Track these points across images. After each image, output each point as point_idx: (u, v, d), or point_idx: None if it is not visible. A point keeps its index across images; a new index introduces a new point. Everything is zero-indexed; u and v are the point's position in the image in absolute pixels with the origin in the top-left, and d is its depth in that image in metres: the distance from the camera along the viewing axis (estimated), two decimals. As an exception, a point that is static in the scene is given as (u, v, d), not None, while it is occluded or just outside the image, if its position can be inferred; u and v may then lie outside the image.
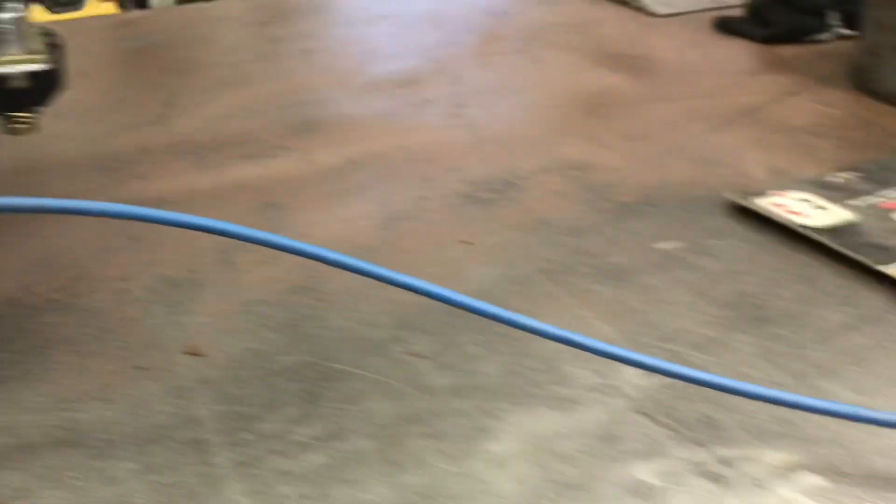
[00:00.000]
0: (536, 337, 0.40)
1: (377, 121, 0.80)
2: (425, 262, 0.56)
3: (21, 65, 0.45)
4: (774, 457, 0.39)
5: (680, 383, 0.42)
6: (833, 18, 0.99)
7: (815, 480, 0.38)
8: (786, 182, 0.65)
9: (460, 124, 0.79)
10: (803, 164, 0.69)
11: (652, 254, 0.57)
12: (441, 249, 0.58)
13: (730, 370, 0.45)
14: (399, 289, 0.39)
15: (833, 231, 0.58)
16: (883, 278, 0.53)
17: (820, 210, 0.60)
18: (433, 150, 0.73)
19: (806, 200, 0.62)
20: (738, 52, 0.98)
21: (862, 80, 0.84)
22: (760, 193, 0.62)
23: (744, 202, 0.61)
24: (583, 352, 0.40)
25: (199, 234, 0.38)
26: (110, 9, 1.55)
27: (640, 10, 1.14)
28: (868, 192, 0.63)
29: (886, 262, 0.54)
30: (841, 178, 0.65)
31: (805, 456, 0.39)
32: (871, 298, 0.52)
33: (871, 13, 0.82)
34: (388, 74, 0.91)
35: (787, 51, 0.97)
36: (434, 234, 0.60)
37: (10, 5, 0.45)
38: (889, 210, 0.61)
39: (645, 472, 0.39)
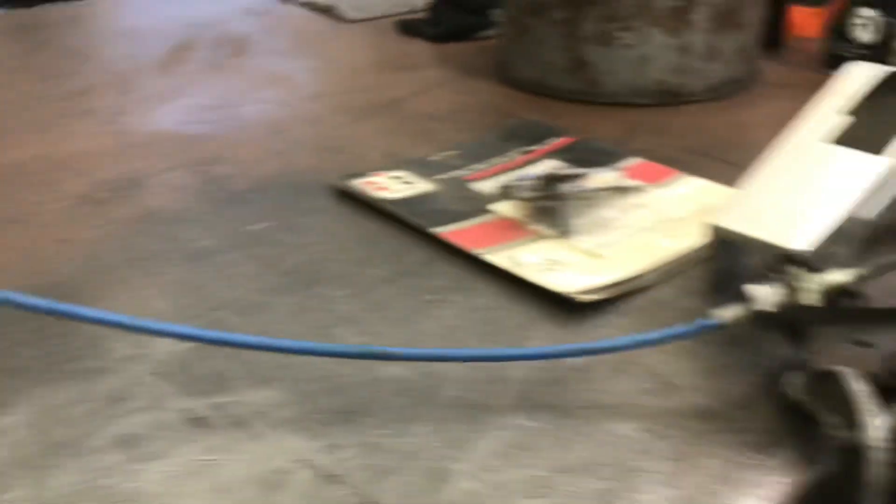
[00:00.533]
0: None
1: (31, 131, 0.80)
2: (17, 261, 0.57)
3: None
4: (260, 395, 0.44)
5: (206, 345, 0.46)
6: (496, 16, 1.08)
7: (286, 413, 0.43)
8: (391, 163, 0.71)
9: (111, 131, 0.81)
10: (419, 146, 0.75)
11: (241, 235, 0.61)
12: (37, 248, 0.59)
13: (260, 329, 0.50)
14: None
15: (407, 201, 0.64)
16: (432, 238, 0.59)
17: (406, 185, 0.67)
18: (74, 158, 0.74)
19: (398, 178, 0.68)
20: (411, 51, 1.05)
21: (501, 71, 0.93)
22: (361, 175, 0.68)
23: (339, 183, 0.67)
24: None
25: None
26: None
27: (336, 16, 1.20)
28: (459, 167, 0.70)
29: (441, 224, 0.60)
30: (442, 156, 0.72)
31: (288, 393, 0.44)
32: (416, 254, 0.58)
33: (504, 9, 0.91)
34: (60, 87, 0.92)
35: (454, 47, 1.05)
36: (34, 236, 0.61)
37: None
38: (469, 181, 0.68)
39: (137, 425, 0.42)
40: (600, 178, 0.61)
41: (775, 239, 0.47)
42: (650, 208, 0.62)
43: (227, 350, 0.47)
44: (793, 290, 0.42)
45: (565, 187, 0.59)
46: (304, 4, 1.27)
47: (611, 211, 0.62)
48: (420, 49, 1.06)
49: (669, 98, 0.83)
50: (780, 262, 0.44)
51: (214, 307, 0.52)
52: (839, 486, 0.38)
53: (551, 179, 0.59)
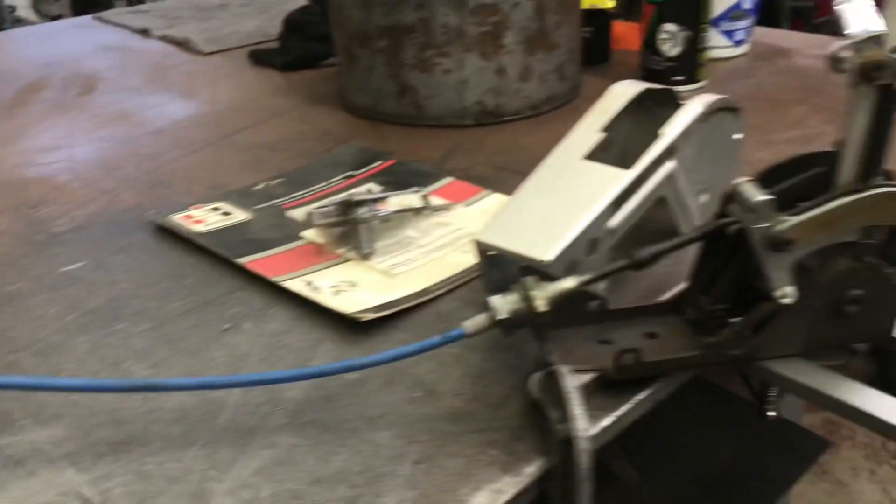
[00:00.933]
0: None
1: None
2: None
3: None
4: (43, 433, 0.46)
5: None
6: (343, 43, 1.11)
7: (65, 448, 0.45)
8: (214, 195, 0.73)
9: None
10: (247, 177, 0.78)
11: (54, 277, 0.63)
12: None
13: (53, 369, 0.52)
14: None
15: (220, 233, 0.67)
16: (239, 268, 0.62)
17: (224, 216, 0.69)
18: None
19: (216, 209, 0.71)
20: (260, 80, 1.08)
21: (340, 98, 0.97)
22: (181, 209, 0.71)
23: (157, 219, 0.69)
24: None
25: None
26: None
27: (192, 49, 1.22)
28: (280, 195, 0.73)
29: (249, 254, 0.63)
30: (265, 185, 0.75)
31: (71, 430, 0.47)
32: (221, 285, 0.61)
33: (336, 39, 0.94)
34: None
35: (302, 76, 1.08)
36: None
37: None
38: (287, 209, 0.71)
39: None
40: (401, 200, 0.65)
41: (526, 251, 0.52)
42: (452, 226, 0.67)
43: (17, 391, 0.49)
44: (526, 298, 0.46)
45: (364, 211, 0.63)
46: (161, 38, 1.28)
47: (412, 231, 0.66)
48: (269, 79, 1.09)
49: (489, 118, 0.88)
50: (520, 273, 0.48)
51: (13, 350, 0.54)
52: (560, 474, 0.42)
53: (349, 204, 0.62)
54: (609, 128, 0.60)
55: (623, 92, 0.63)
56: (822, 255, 0.46)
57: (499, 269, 0.54)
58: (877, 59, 0.41)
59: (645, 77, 0.95)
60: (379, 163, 0.79)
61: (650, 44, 0.94)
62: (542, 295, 0.46)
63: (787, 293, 0.46)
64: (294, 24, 1.12)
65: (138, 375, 0.51)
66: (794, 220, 0.44)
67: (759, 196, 0.43)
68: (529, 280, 0.47)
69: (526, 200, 0.56)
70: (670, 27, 0.91)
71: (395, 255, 0.62)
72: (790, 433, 0.98)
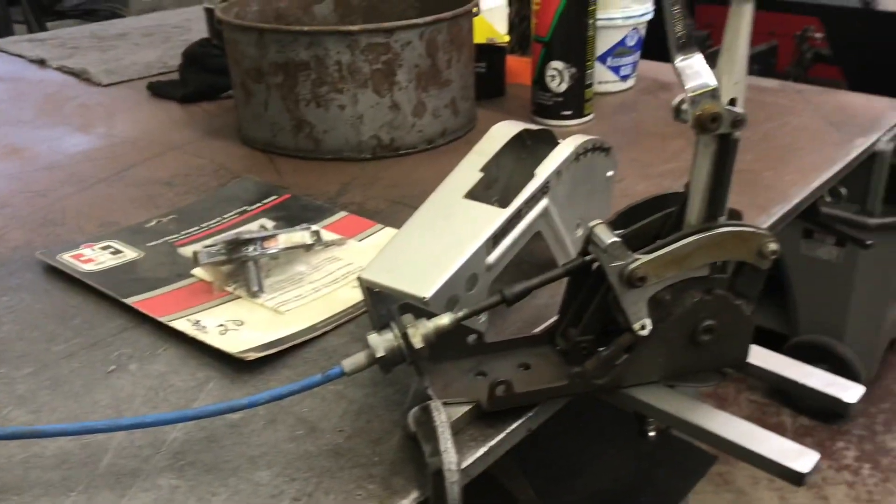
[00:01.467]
0: None
1: None
2: None
3: None
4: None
5: None
6: (243, 75, 1.12)
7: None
8: (105, 233, 0.73)
9: None
10: (140, 213, 0.78)
11: (-66, 321, 0.62)
12: None
13: (-70, 417, 0.51)
14: None
15: (109, 272, 0.67)
16: (128, 308, 0.62)
17: (114, 255, 0.70)
18: None
19: (107, 248, 0.71)
20: (158, 113, 1.08)
21: (239, 131, 0.97)
22: (72, 248, 0.70)
23: (46, 258, 0.69)
24: None
25: None
26: None
27: (90, 81, 1.21)
28: (173, 232, 0.74)
29: (137, 293, 0.63)
30: (158, 222, 0.76)
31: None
32: (110, 326, 0.61)
33: (232, 73, 0.95)
34: None
35: (201, 108, 1.09)
36: None
37: None
38: (179, 246, 0.71)
39: None
40: (290, 237, 0.66)
41: (406, 288, 0.54)
42: (343, 261, 0.68)
43: None
44: (403, 335, 0.48)
45: (252, 249, 0.64)
46: (59, 69, 1.27)
47: (303, 267, 0.67)
48: (168, 111, 1.09)
49: (385, 151, 0.90)
50: (399, 310, 0.50)
51: None
52: (433, 505, 0.45)
53: (238, 243, 0.63)
54: (488, 167, 0.63)
55: (501, 133, 0.66)
56: (676, 290, 0.49)
57: (384, 305, 0.56)
58: (712, 111, 0.45)
59: (535, 112, 0.99)
60: (273, 198, 0.80)
61: (539, 80, 0.98)
62: (419, 332, 0.48)
63: (643, 325, 0.49)
64: (193, 57, 1.12)
65: (19, 422, 0.51)
66: (645, 258, 0.47)
67: (609, 239, 0.46)
68: (407, 317, 0.49)
69: (408, 238, 0.58)
70: (557, 64, 0.95)
71: (284, 291, 0.64)
72: (681, 449, 1.03)
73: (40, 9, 2.33)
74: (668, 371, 0.52)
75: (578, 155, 0.63)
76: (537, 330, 0.56)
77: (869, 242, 1.00)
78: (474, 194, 0.61)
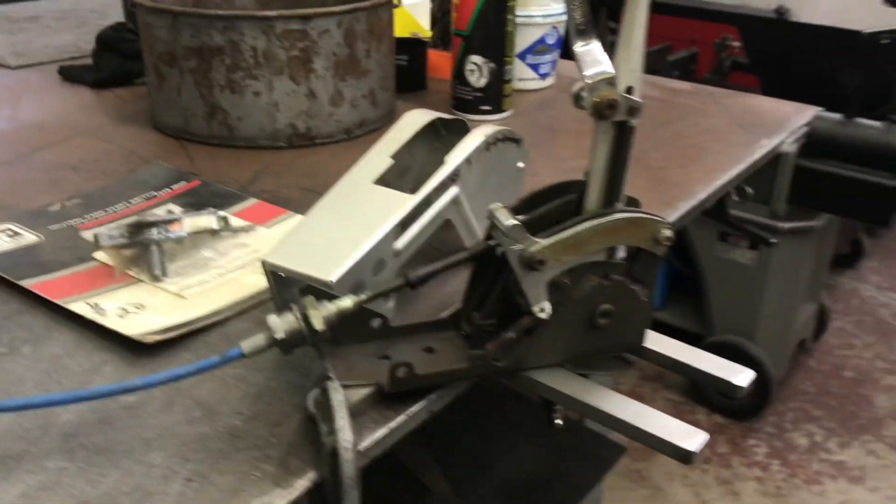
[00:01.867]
0: None
1: None
2: None
3: None
4: None
5: None
6: (159, 62, 1.10)
7: None
8: (3, 216, 0.71)
9: None
10: (43, 197, 0.76)
11: None
12: None
13: None
14: None
15: (6, 255, 0.64)
16: (24, 290, 0.60)
17: (11, 237, 0.67)
18: None
19: (6, 230, 0.68)
20: (68, 97, 1.05)
21: (152, 117, 0.95)
22: (-34, 230, 0.68)
23: (-63, 240, 0.66)
24: None
25: None
26: None
27: (-4, 62, 1.16)
28: (77, 216, 0.72)
29: (35, 276, 0.61)
30: (61, 206, 0.73)
31: None
32: (4, 308, 0.59)
33: (145, 57, 0.93)
34: None
35: (114, 94, 1.06)
36: None
37: None
38: (82, 230, 0.69)
39: None
40: (195, 221, 0.65)
41: (310, 272, 0.53)
42: (251, 247, 0.68)
43: None
44: (304, 317, 0.48)
45: (155, 233, 0.62)
46: (-36, 49, 1.22)
47: (209, 252, 0.66)
48: (79, 96, 1.06)
49: (301, 140, 0.89)
50: (300, 293, 0.50)
51: None
52: (330, 485, 0.44)
53: (139, 226, 0.62)
54: (399, 155, 0.63)
55: (414, 120, 0.66)
56: (575, 274, 0.50)
57: (288, 289, 0.56)
58: (609, 98, 0.46)
59: (455, 106, 1.00)
60: (183, 183, 0.79)
61: (458, 74, 0.98)
62: (320, 314, 0.48)
63: (543, 308, 0.50)
64: (107, 41, 1.09)
65: None
66: (545, 241, 0.48)
67: (510, 221, 0.47)
68: (308, 299, 0.48)
69: (314, 223, 0.58)
70: (476, 59, 0.96)
71: (188, 276, 0.63)
72: (591, 440, 1.05)
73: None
74: (568, 354, 0.53)
75: (489, 144, 0.64)
76: (444, 314, 0.56)
77: (773, 241, 1.04)
78: (384, 180, 0.61)
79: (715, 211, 1.08)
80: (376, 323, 0.53)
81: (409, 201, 0.58)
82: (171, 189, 0.78)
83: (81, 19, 1.38)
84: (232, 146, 0.89)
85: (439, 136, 0.68)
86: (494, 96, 0.98)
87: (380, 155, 0.63)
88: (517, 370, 0.52)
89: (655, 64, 2.23)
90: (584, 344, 0.53)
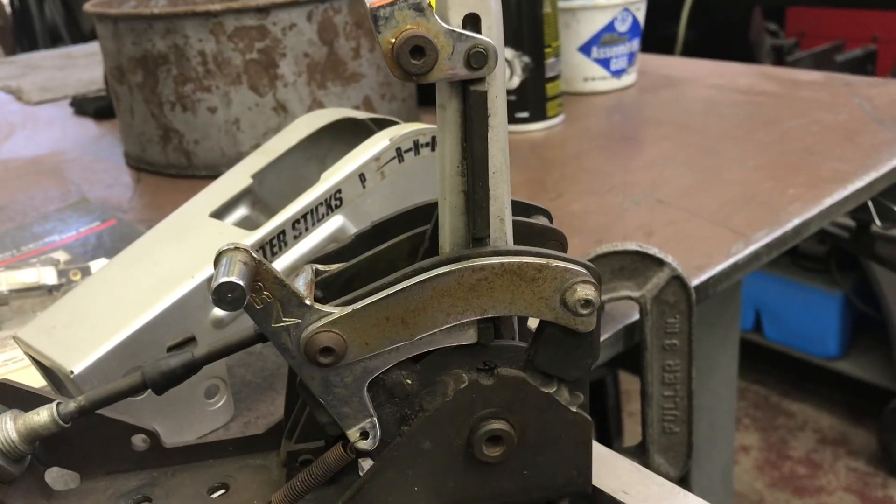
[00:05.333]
0: None
1: None
2: None
3: None
4: None
5: None
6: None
7: None
8: None
9: None
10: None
11: None
12: None
13: None
14: None
15: None
16: None
17: None
18: None
19: None
20: (71, 130, 0.93)
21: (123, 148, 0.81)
22: None
23: None
24: None
25: None
26: None
27: (21, 98, 1.08)
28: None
29: None
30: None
31: None
32: None
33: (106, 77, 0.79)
34: None
35: (112, 122, 0.93)
36: None
37: None
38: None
39: None
40: (15, 277, 0.48)
41: (55, 355, 0.34)
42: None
43: None
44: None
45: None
46: (2, 88, 1.16)
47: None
48: (83, 127, 0.94)
49: (272, 165, 0.71)
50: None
51: None
52: None
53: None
54: (264, 172, 0.43)
55: (306, 124, 0.46)
56: (425, 370, 0.28)
57: (47, 374, 0.37)
58: (412, 34, 0.23)
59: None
60: (96, 223, 0.63)
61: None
62: (15, 430, 0.28)
63: (365, 432, 0.27)
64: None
65: None
66: (335, 313, 0.26)
67: (295, 281, 0.25)
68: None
69: (102, 280, 0.39)
70: (506, 52, 0.74)
71: (4, 350, 0.46)
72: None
73: (83, 41, 2.30)
74: (440, 507, 0.30)
75: (405, 151, 0.42)
76: (263, 429, 0.35)
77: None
78: (228, 210, 0.41)
79: (857, 241, 0.79)
80: (138, 443, 0.33)
81: (245, 241, 0.38)
82: (78, 231, 0.62)
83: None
84: (191, 176, 0.72)
85: (328, 144, 0.48)
86: (534, 99, 0.76)
87: (237, 174, 0.43)
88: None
89: (823, 66, 1.87)
90: (471, 489, 0.30)
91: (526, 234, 0.29)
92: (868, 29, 2.02)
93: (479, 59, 0.24)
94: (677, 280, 0.42)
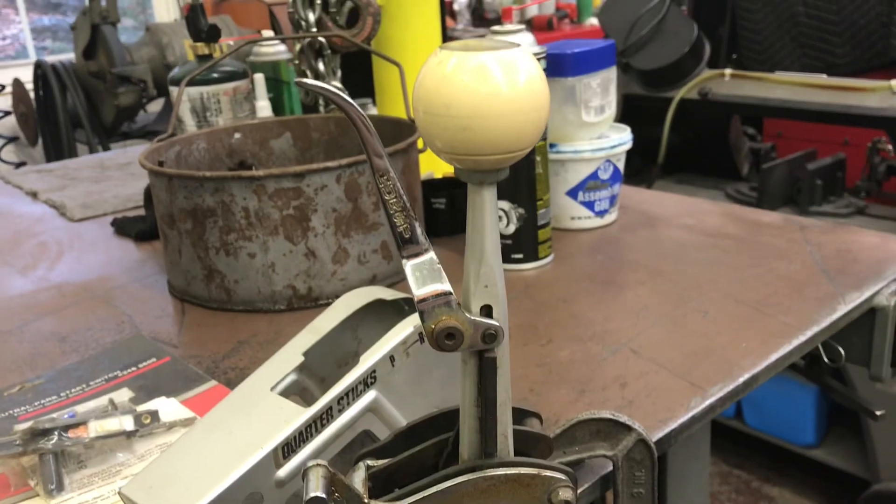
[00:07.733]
0: None
1: None
2: None
3: None
4: None
5: None
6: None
7: None
8: (-45, 402, 0.68)
9: None
10: (10, 376, 0.72)
11: None
12: None
13: None
14: None
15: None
16: (-89, 504, 0.55)
17: (-58, 432, 0.63)
18: None
19: (-58, 422, 0.65)
20: (113, 252, 1.04)
21: (167, 278, 0.92)
22: None
23: None
24: None
25: None
26: None
27: (64, 214, 1.19)
28: (26, 403, 0.67)
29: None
30: (20, 388, 0.69)
31: None
32: None
33: (157, 219, 0.90)
34: None
35: (153, 246, 1.04)
36: None
37: None
38: (21, 421, 0.65)
39: None
40: (102, 424, 0.58)
41: (158, 513, 0.44)
42: (180, 446, 0.60)
43: None
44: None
45: (54, 440, 0.56)
46: (45, 202, 1.27)
47: (124, 455, 0.59)
48: (124, 249, 1.05)
49: (302, 302, 0.82)
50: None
51: None
52: None
53: (34, 432, 0.56)
54: (312, 351, 0.53)
55: (345, 305, 0.57)
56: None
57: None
58: (448, 325, 0.34)
59: (486, 253, 0.90)
60: (153, 360, 0.73)
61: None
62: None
63: (403, 590, 0.38)
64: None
65: None
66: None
67: (316, 490, 0.36)
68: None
69: (189, 444, 0.49)
70: (503, 205, 0.86)
71: (91, 489, 0.55)
72: None
73: (104, 131, 2.43)
74: None
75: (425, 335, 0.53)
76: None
77: (878, 413, 0.84)
78: (285, 386, 0.51)
79: (810, 371, 0.89)
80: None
81: (300, 417, 0.48)
82: (138, 367, 0.72)
83: (166, 164, 1.41)
84: (230, 310, 0.83)
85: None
86: (527, 243, 0.87)
87: (290, 351, 0.54)
88: None
89: (796, 172, 2.01)
90: None
91: (522, 440, 0.39)
92: (840, 133, 2.16)
93: (491, 338, 0.35)
94: (642, 442, 0.52)
